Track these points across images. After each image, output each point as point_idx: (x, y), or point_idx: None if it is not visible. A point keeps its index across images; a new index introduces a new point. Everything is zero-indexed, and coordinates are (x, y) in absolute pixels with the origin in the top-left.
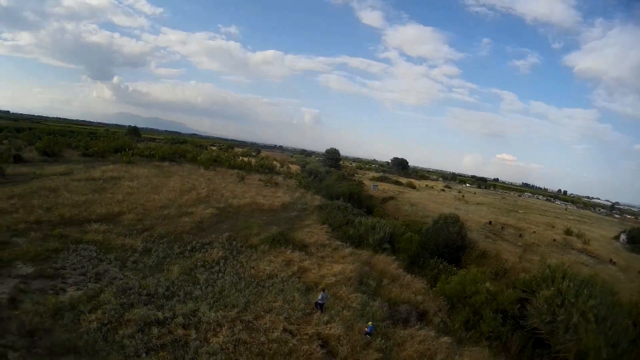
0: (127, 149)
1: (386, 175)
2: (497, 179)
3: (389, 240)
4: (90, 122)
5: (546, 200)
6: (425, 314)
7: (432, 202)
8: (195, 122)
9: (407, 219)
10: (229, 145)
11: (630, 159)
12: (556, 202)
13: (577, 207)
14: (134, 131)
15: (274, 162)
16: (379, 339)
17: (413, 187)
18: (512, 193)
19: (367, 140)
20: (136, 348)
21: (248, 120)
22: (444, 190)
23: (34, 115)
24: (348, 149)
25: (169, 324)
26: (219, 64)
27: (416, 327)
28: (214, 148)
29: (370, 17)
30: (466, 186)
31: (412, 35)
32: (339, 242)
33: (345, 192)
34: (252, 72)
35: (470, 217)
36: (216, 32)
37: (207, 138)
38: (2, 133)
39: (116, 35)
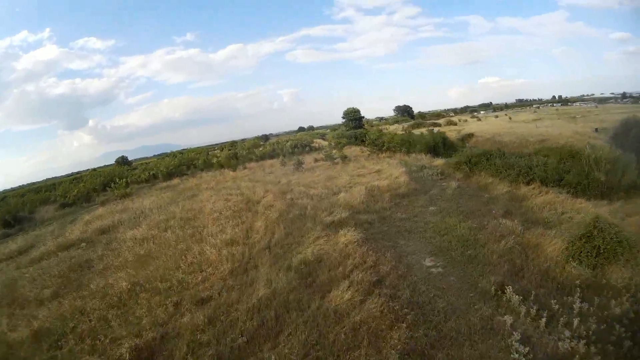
0: (118, 179)
1: (418, 121)
2: (491, 103)
3: None
4: (78, 171)
5: (561, 106)
6: None
7: (510, 129)
8: (181, 136)
9: (528, 148)
10: (231, 143)
11: (610, 49)
12: (574, 105)
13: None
14: (123, 161)
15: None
16: None
17: (454, 124)
18: (527, 108)
19: (352, 102)
20: None
21: (229, 118)
22: (479, 120)
23: (23, 185)
24: (335, 115)
25: None
26: (186, 74)
27: None
28: (217, 151)
29: None
30: (482, 113)
31: None
32: None
33: (437, 140)
34: (220, 72)
35: (563, 133)
36: (173, 45)
37: (197, 148)
38: None
39: (77, 80)
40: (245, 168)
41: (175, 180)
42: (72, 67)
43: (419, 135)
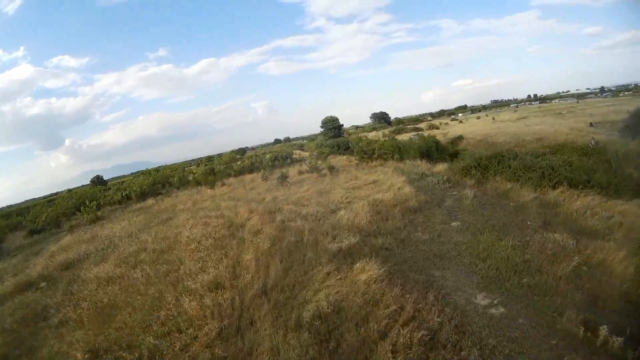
0: (89, 202)
1: (399, 127)
2: (466, 105)
3: None
4: (56, 192)
5: (540, 103)
6: None
7: (499, 129)
8: (156, 154)
9: (526, 148)
10: (207, 158)
11: (583, 45)
12: (553, 102)
13: (578, 100)
14: (98, 181)
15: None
16: None
17: (437, 127)
18: (505, 108)
19: (326, 112)
20: None
21: (205, 134)
22: (461, 122)
23: (2, 208)
24: (310, 126)
25: None
26: (160, 90)
27: None
28: (193, 167)
29: None
30: (461, 115)
31: None
32: None
33: (430, 145)
34: (193, 87)
35: (558, 129)
36: (146, 61)
37: (173, 164)
38: None
39: (53, 99)
40: (223, 184)
41: (150, 201)
42: (47, 86)
43: (409, 141)
